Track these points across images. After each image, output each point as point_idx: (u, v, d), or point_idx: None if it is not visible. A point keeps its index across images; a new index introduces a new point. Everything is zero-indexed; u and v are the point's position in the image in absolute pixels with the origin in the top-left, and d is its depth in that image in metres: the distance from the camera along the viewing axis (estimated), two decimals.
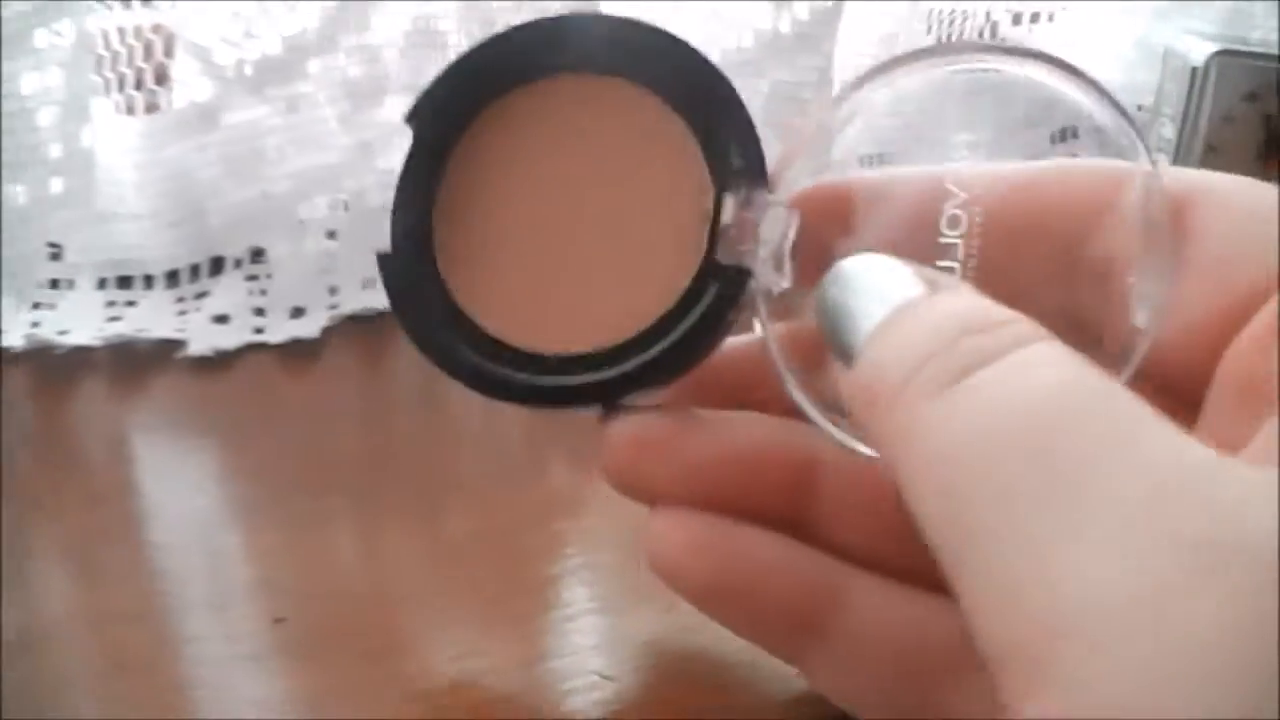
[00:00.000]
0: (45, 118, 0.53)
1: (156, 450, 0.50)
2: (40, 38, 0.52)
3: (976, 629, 0.21)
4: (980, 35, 0.71)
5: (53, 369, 0.53)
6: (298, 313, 0.57)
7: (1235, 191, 0.28)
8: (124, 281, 0.58)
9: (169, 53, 0.57)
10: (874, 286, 0.26)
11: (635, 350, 0.32)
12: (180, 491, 0.46)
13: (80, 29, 0.54)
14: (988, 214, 0.29)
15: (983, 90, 0.73)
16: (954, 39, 0.70)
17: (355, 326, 0.57)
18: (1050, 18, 0.73)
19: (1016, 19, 0.72)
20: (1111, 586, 0.19)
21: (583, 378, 0.32)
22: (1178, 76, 0.67)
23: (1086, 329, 0.29)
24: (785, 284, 0.30)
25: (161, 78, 0.57)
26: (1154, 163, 0.29)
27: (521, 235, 0.33)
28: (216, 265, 0.59)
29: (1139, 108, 0.74)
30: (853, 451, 0.29)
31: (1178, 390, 0.28)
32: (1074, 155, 0.73)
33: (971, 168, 0.30)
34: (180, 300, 0.57)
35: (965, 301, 0.25)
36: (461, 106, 0.33)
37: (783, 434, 0.32)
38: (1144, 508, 0.20)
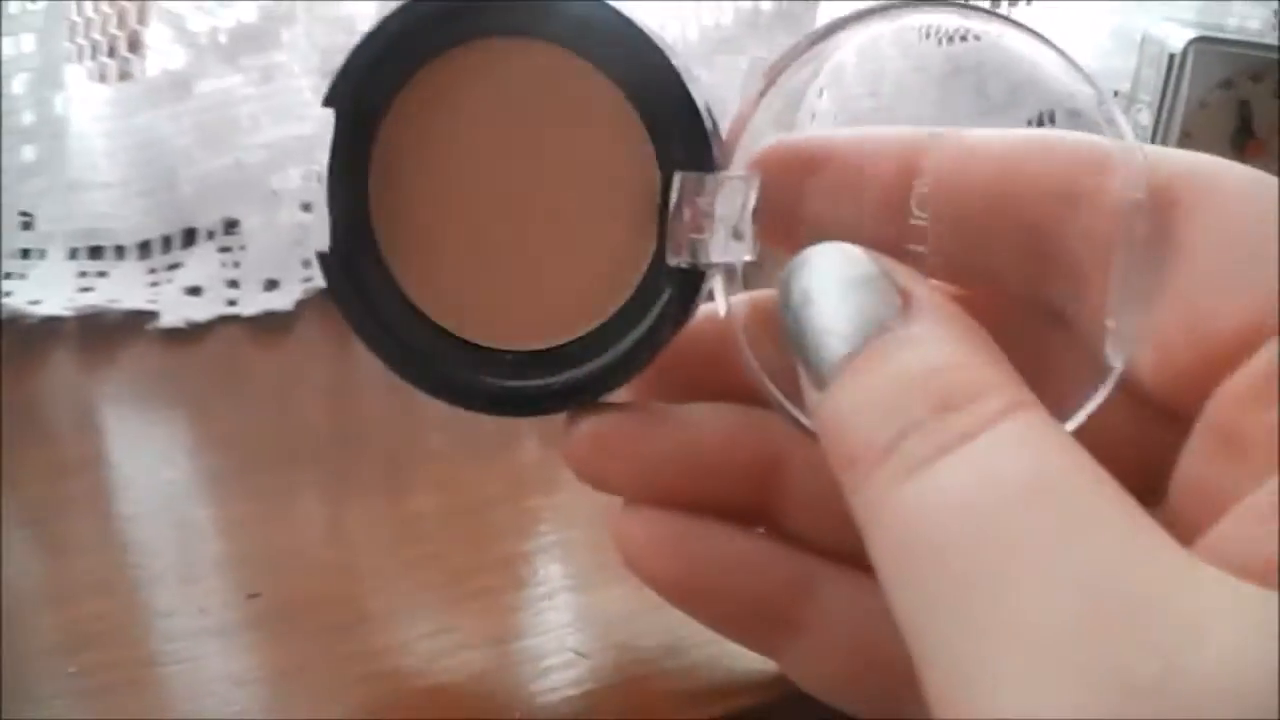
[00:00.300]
0: (18, 85, 0.52)
1: (126, 422, 0.49)
2: (13, 4, 0.52)
3: (932, 706, 0.21)
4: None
5: (22, 339, 0.53)
6: (271, 285, 0.57)
7: (1236, 194, 0.25)
8: (95, 252, 0.57)
9: (143, 20, 0.56)
10: (844, 295, 0.25)
11: (592, 350, 0.31)
12: (149, 463, 0.46)
13: None
14: (959, 194, 0.28)
15: (960, 71, 0.73)
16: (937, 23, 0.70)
17: (328, 300, 0.56)
18: (1029, 1, 0.73)
19: (996, 1, 0.72)
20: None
21: (541, 381, 0.31)
22: (1155, 62, 0.67)
23: (1063, 322, 0.28)
24: (749, 256, 0.30)
25: (135, 45, 0.56)
26: (1138, 153, 0.26)
27: (464, 218, 0.31)
28: (189, 236, 0.58)
29: (1115, 93, 0.74)
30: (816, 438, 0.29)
31: (1166, 405, 0.26)
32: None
33: (943, 138, 0.29)
34: (152, 271, 0.57)
35: (942, 354, 0.24)
36: (383, 81, 0.31)
37: (747, 426, 0.31)
38: (1081, 632, 0.19)
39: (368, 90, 0.30)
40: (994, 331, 0.25)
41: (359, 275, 0.31)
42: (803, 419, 0.28)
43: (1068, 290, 0.28)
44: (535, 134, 0.31)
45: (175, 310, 0.54)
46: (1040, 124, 0.73)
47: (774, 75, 0.29)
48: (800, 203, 0.30)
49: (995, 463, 0.22)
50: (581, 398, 0.31)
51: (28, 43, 0.52)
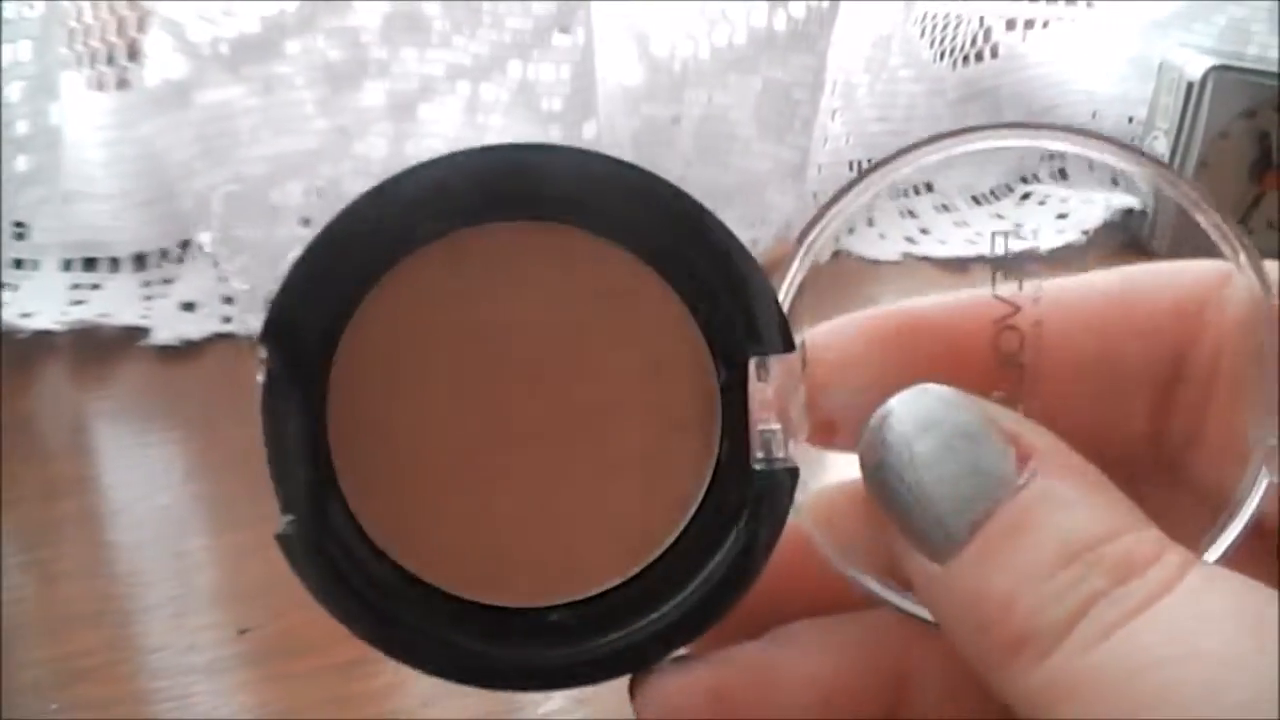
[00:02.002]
0: (12, 93, 0.51)
1: (119, 442, 0.48)
2: (9, 8, 0.50)
3: None
4: (974, 41, 0.70)
5: (11, 352, 0.51)
6: (269, 302, 0.55)
7: None
8: (89, 264, 0.56)
9: (142, 28, 0.55)
10: (949, 451, 0.22)
11: (661, 594, 0.24)
12: (143, 487, 0.45)
13: (51, 1, 0.52)
14: (1069, 334, 0.26)
15: (974, 95, 0.72)
16: (951, 46, 0.69)
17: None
18: (1045, 24, 0.72)
19: (1010, 24, 0.71)
20: None
21: (599, 639, 0.24)
22: (1173, 90, 0.66)
23: (1178, 465, 0.26)
24: (803, 438, 0.25)
25: (134, 53, 0.55)
26: (1259, 271, 0.24)
27: (454, 453, 0.24)
28: (185, 249, 0.57)
29: (1129, 120, 0.73)
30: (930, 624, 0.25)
31: None
32: (1063, 170, 0.72)
33: (1024, 290, 0.26)
34: (147, 285, 0.56)
35: (1096, 518, 0.22)
36: (332, 301, 0.24)
37: (860, 646, 0.26)
38: None
39: (314, 317, 0.24)
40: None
41: (332, 551, 0.24)
42: (919, 611, 0.25)
43: (1190, 417, 0.26)
44: (534, 336, 0.24)
45: (169, 326, 0.53)
46: (1051, 155, 0.73)
47: (803, 238, 0.25)
48: (857, 384, 0.25)
49: (1198, 612, 0.20)
50: (657, 654, 0.24)
51: (24, 50, 0.51)
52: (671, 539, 0.24)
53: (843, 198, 0.25)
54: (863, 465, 0.23)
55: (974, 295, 0.26)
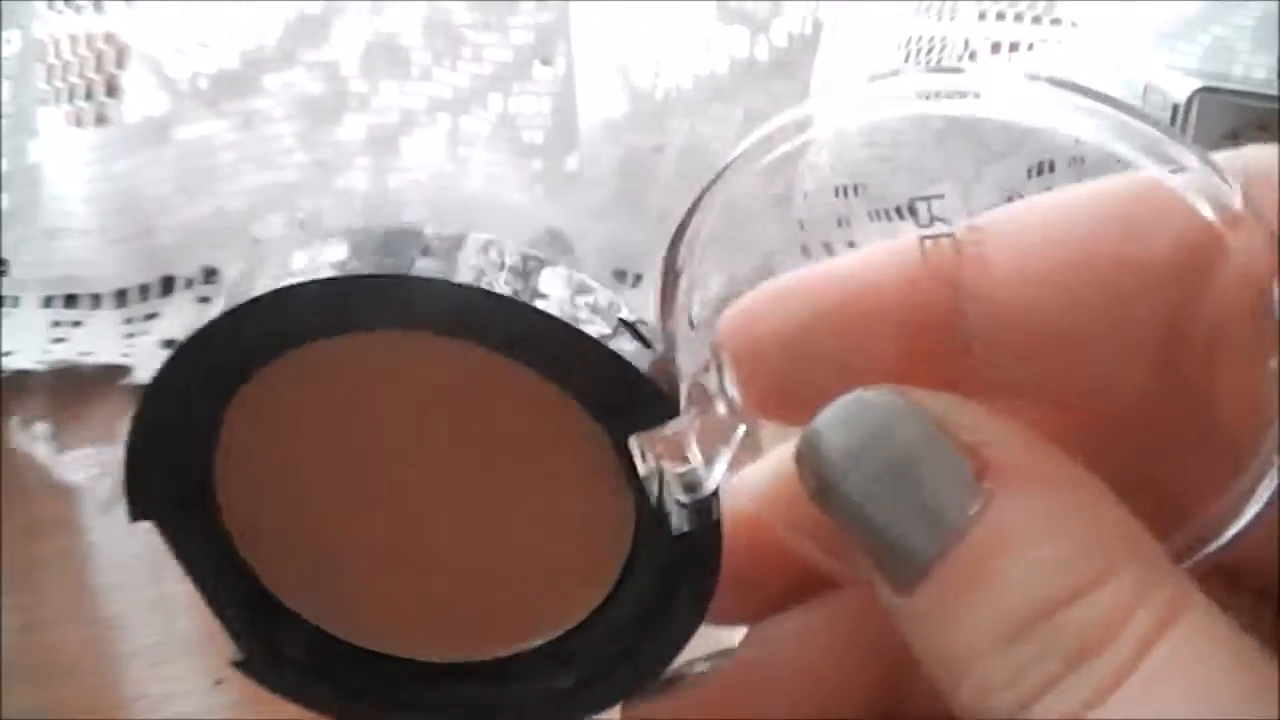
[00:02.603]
0: None
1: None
2: None
3: None
4: (959, 61, 0.70)
5: None
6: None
7: None
8: (70, 300, 0.56)
9: (121, 63, 0.55)
10: (891, 474, 0.20)
11: (616, 634, 0.25)
12: (123, 527, 0.44)
13: (28, 36, 0.51)
14: (1006, 305, 0.22)
15: (959, 120, 0.71)
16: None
17: None
18: (1030, 47, 0.72)
19: (995, 47, 0.71)
20: None
21: (574, 681, 0.25)
22: (1158, 112, 0.66)
23: (1189, 419, 0.22)
24: (744, 427, 0.23)
25: (113, 89, 0.55)
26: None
27: (372, 542, 0.25)
28: (167, 285, 0.57)
29: None
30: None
31: None
32: (1049, 189, 0.71)
33: (964, 256, 0.22)
34: (128, 321, 0.55)
35: (1062, 567, 0.19)
36: (190, 448, 0.24)
37: (854, 636, 0.25)
38: None
39: (174, 471, 0.24)
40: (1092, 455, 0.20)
41: (289, 662, 0.26)
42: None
43: (1198, 373, 0.22)
44: (413, 427, 0.24)
45: (151, 365, 0.52)
46: (1040, 173, 0.72)
47: (673, 254, 0.24)
48: (791, 358, 0.24)
49: (1162, 695, 0.19)
50: (635, 683, 0.25)
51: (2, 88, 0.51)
52: (610, 587, 0.25)
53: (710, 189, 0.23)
54: (802, 486, 0.21)
55: (900, 267, 0.22)
